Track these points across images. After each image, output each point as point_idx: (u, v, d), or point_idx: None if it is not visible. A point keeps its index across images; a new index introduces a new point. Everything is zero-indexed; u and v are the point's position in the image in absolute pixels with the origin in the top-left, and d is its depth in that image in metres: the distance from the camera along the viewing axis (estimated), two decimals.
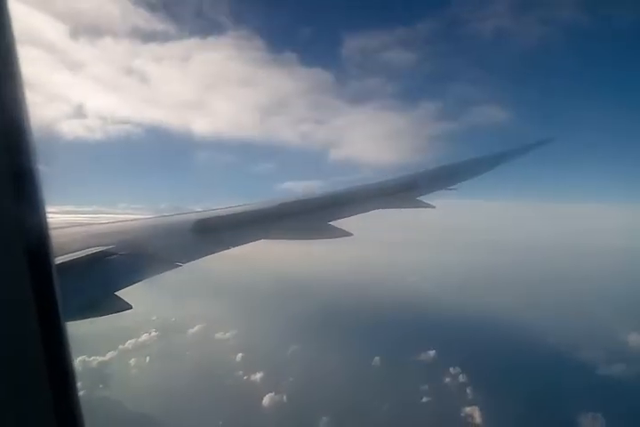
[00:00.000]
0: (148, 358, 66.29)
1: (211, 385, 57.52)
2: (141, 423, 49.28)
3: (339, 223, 5.50)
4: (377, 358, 63.14)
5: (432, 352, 64.29)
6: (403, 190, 6.88)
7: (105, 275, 3.65)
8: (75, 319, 2.85)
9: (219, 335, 74.54)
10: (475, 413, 51.49)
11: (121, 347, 69.01)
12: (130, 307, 3.22)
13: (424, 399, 54.66)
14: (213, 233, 5.03)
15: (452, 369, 60.10)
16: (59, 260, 3.24)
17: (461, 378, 58.51)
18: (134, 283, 3.54)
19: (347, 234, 5.29)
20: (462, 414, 51.98)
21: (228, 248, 4.68)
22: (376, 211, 6.19)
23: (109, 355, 66.29)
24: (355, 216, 5.85)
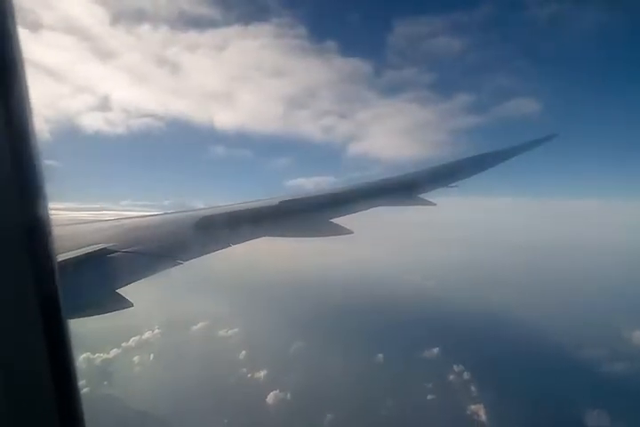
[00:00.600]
0: (151, 356, 66.48)
1: (214, 383, 57.54)
2: (145, 421, 49.33)
3: (340, 221, 5.50)
4: (380, 356, 63.20)
5: (436, 350, 64.34)
6: (404, 188, 6.88)
7: (107, 273, 3.67)
8: (77, 317, 2.87)
9: (222, 333, 74.77)
10: (480, 411, 51.59)
11: (124, 344, 69.25)
12: (131, 305, 3.24)
13: (429, 397, 54.72)
14: (215, 230, 5.05)
15: (455, 367, 60.15)
16: (61, 257, 3.26)
17: (465, 375, 58.57)
18: (136, 280, 3.56)
19: (348, 232, 5.30)
20: (468, 412, 52.11)
21: (230, 246, 4.70)
22: (377, 208, 6.19)
23: (113, 352, 66.54)
24: (356, 214, 5.86)
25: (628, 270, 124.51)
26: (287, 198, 6.20)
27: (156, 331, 74.30)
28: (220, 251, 4.60)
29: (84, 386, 52.97)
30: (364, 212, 5.99)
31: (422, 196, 6.59)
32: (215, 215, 5.54)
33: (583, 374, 57.72)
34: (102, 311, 3.16)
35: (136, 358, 65.98)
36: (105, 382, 57.87)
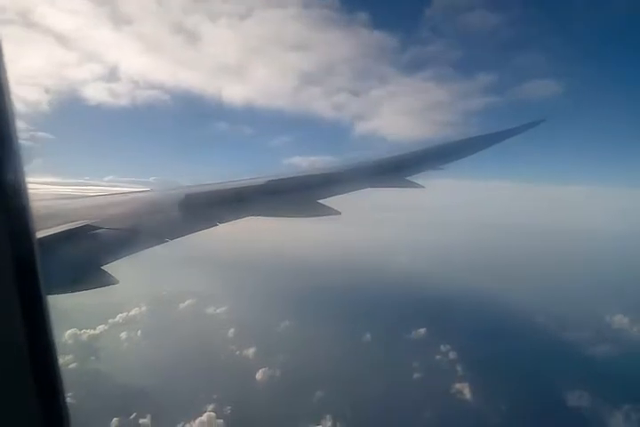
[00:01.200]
0: (139, 332, 66.78)
1: (203, 359, 58.08)
2: (133, 396, 49.82)
3: (328, 202, 5.50)
4: (368, 336, 64.33)
5: (423, 330, 65.66)
6: (392, 170, 6.88)
7: (90, 249, 3.64)
8: (61, 293, 2.86)
9: (210, 310, 75.25)
10: (465, 389, 53.11)
11: (111, 321, 69.35)
12: (116, 282, 3.23)
13: (415, 376, 56.00)
14: (201, 209, 5.02)
15: (442, 347, 61.55)
16: (44, 233, 3.22)
17: (451, 355, 59.98)
18: (121, 258, 3.55)
19: (335, 213, 5.31)
20: (453, 391, 53.55)
21: (216, 225, 4.68)
22: (366, 190, 6.19)
23: (100, 328, 66.70)
24: (344, 195, 5.86)
25: (612, 256, 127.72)
26: (275, 177, 6.17)
27: (144, 308, 74.44)
28: (206, 230, 4.59)
29: (71, 361, 53.33)
30: (352, 193, 5.99)
31: (411, 178, 6.60)
32: (202, 194, 5.50)
33: (566, 355, 59.61)
34: (86, 287, 3.14)
35: (123, 335, 66.20)
36: (92, 358, 58.13)
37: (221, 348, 62.49)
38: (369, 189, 6.24)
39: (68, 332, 61.34)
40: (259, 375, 55.79)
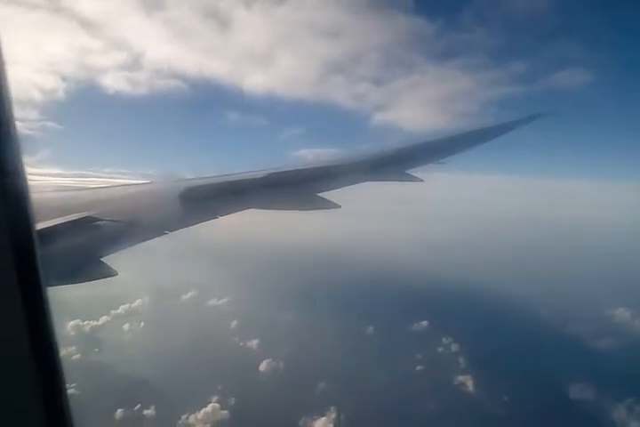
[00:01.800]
0: (142, 324, 66.98)
1: (206, 351, 58.13)
2: (136, 387, 50.01)
3: (327, 195, 5.51)
4: (371, 328, 64.41)
5: (425, 323, 65.65)
6: (392, 163, 6.87)
7: (91, 241, 3.66)
8: (61, 284, 2.88)
9: (212, 302, 75.26)
10: (467, 381, 53.27)
11: (114, 312, 69.56)
12: (116, 273, 3.25)
13: (418, 368, 56.10)
14: (202, 201, 5.03)
15: (444, 339, 61.66)
16: (45, 224, 3.24)
17: (454, 348, 60.04)
18: (122, 249, 3.57)
19: (335, 206, 5.33)
20: (455, 383, 53.68)
21: (217, 217, 4.70)
22: (366, 183, 6.19)
23: (102, 320, 66.95)
24: (343, 188, 5.86)
25: (614, 250, 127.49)
26: (275, 171, 6.17)
27: (146, 300, 74.62)
28: (206, 222, 4.61)
29: (74, 352, 53.69)
30: (352, 186, 5.99)
31: (411, 171, 6.59)
32: (202, 186, 5.51)
33: (568, 348, 59.57)
34: (87, 279, 3.16)
35: (126, 326, 66.41)
36: (95, 349, 58.42)
37: (224, 339, 62.54)
38: (370, 182, 6.25)
39: (71, 323, 61.64)
40: (262, 367, 55.91)
